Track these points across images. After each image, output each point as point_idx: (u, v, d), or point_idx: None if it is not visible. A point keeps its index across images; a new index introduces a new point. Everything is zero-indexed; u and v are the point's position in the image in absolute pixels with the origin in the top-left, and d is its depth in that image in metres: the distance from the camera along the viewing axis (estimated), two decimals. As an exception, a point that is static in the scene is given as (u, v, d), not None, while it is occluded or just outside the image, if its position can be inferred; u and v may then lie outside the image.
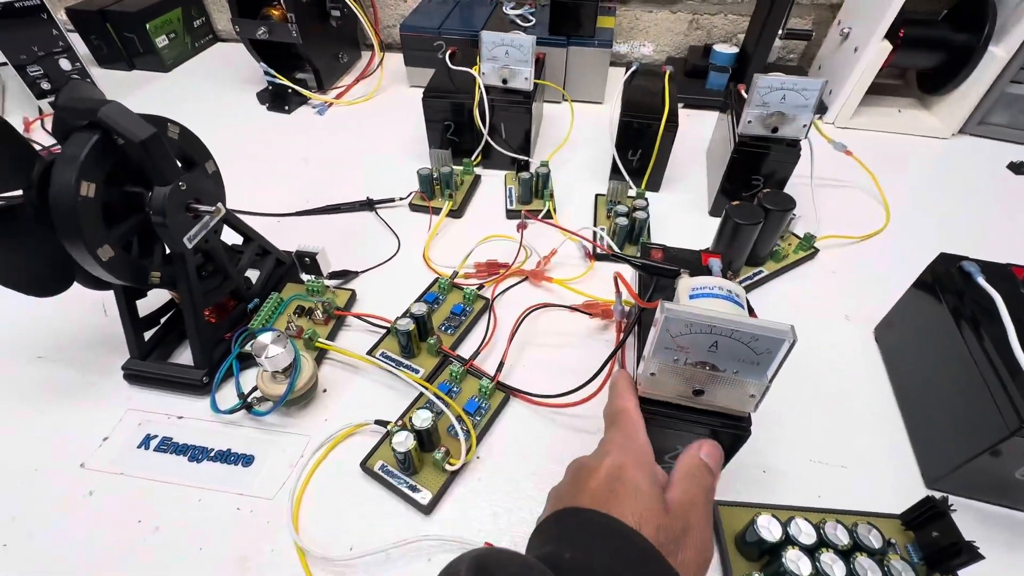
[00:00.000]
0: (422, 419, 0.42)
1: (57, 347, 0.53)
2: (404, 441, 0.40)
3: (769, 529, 0.35)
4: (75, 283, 0.45)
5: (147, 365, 0.49)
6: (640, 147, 0.70)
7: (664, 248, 0.46)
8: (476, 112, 0.71)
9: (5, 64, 0.98)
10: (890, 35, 0.79)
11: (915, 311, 0.50)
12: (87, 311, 0.56)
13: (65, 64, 0.85)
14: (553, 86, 0.79)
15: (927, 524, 0.37)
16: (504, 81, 0.70)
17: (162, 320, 0.52)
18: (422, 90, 0.72)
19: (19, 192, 0.40)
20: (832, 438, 0.47)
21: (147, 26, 0.97)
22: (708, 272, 0.44)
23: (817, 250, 0.63)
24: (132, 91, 0.97)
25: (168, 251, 0.46)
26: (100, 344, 0.53)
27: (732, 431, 0.33)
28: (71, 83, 0.42)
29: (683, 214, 0.71)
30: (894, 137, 0.86)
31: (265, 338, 0.43)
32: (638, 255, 0.46)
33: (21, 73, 0.83)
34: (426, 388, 0.47)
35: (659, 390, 0.33)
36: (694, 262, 0.45)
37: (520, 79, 0.70)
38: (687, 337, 0.30)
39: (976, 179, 0.78)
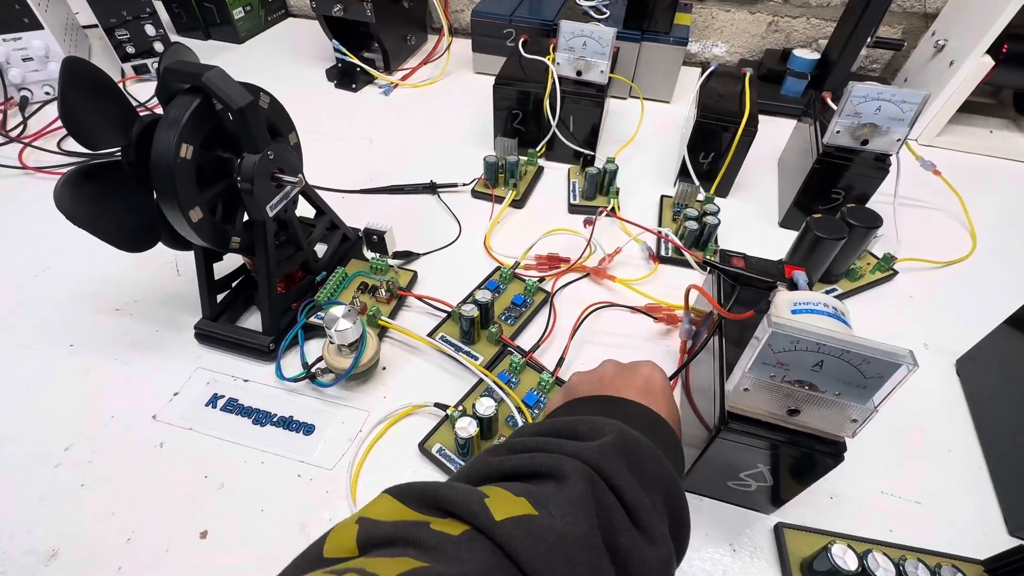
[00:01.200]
0: (485, 407, 0.42)
1: (133, 300, 0.55)
2: (467, 427, 0.40)
3: (844, 560, 0.34)
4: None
5: (217, 326, 0.50)
6: (713, 150, 0.68)
7: (745, 257, 0.44)
8: (546, 102, 0.70)
9: (96, 26, 1.02)
10: (992, 50, 0.74)
11: (1007, 349, 0.47)
12: (160, 269, 0.58)
13: (150, 30, 0.88)
14: (625, 81, 0.77)
15: (1015, 575, 0.34)
16: (578, 73, 0.69)
17: (233, 285, 0.54)
18: (487, 77, 0.71)
19: (119, 148, 0.42)
20: (906, 471, 0.44)
21: (226, -3, 0.99)
22: (793, 285, 0.42)
23: (896, 272, 0.60)
24: (206, 60, 0.98)
25: (247, 218, 0.47)
26: (172, 301, 0.55)
27: (825, 455, 0.32)
28: (174, 47, 0.43)
29: (751, 223, 0.68)
30: (983, 160, 0.81)
31: (336, 311, 0.44)
32: (714, 261, 0.45)
33: (109, 36, 0.86)
34: (486, 376, 0.47)
35: (749, 406, 0.32)
36: (776, 274, 0.43)
37: (595, 72, 0.68)
38: (790, 354, 0.29)
39: (1075, 211, 0.72)
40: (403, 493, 0.22)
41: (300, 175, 0.47)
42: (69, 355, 0.50)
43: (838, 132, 0.57)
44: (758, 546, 0.39)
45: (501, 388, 0.46)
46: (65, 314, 0.54)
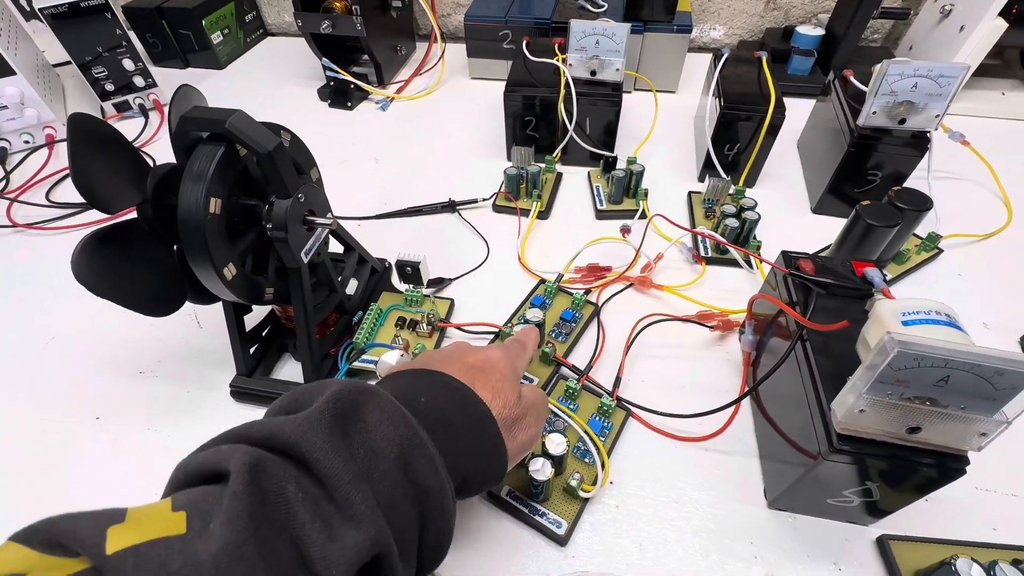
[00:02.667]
0: (556, 443, 0.39)
1: (157, 361, 0.52)
2: (541, 469, 0.38)
3: (971, 575, 0.32)
4: (184, 299, 0.43)
5: (254, 382, 0.47)
6: (738, 141, 0.66)
7: (812, 258, 0.42)
8: (561, 106, 0.67)
9: (68, 64, 0.97)
10: (1003, 12, 0.73)
11: (1077, 321, 0.46)
12: (180, 323, 0.55)
13: (128, 64, 0.84)
14: (640, 77, 0.75)
15: None
16: (593, 73, 0.66)
17: (263, 334, 0.50)
18: (485, 82, 0.68)
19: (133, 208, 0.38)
20: (994, 463, 0.42)
21: (203, 22, 0.95)
22: (866, 283, 0.40)
23: (941, 250, 0.59)
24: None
25: (277, 266, 0.44)
26: (198, 357, 0.52)
27: (950, 470, 0.30)
28: (181, 91, 0.40)
29: (782, 212, 0.66)
30: (1000, 123, 0.80)
31: (390, 358, 0.41)
32: (799, 273, 0.43)
33: (86, 74, 0.82)
34: (559, 408, 0.44)
35: (863, 427, 0.30)
36: (844, 272, 0.41)
37: (611, 70, 0.65)
38: (912, 371, 0.27)
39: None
40: (31, 534, 0.19)
41: (330, 214, 0.44)
42: (97, 430, 0.47)
43: (874, 113, 0.55)
44: (863, 562, 0.37)
45: (571, 418, 0.43)
46: (85, 384, 0.50)
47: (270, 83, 0.96)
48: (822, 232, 0.62)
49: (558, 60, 0.69)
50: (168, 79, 0.90)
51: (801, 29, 0.85)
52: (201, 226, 0.34)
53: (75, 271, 0.36)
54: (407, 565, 0.24)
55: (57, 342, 0.54)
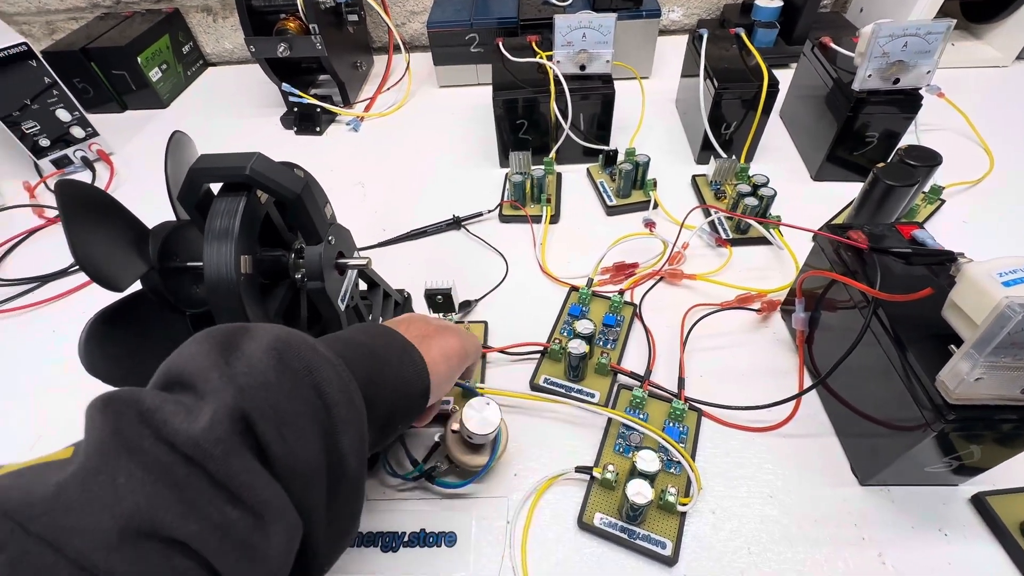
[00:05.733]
0: (648, 461, 0.37)
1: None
2: (641, 491, 0.36)
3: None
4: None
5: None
6: (734, 119, 0.65)
7: (861, 228, 0.42)
8: (553, 104, 0.65)
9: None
10: (947, -34, 0.76)
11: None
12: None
13: (63, 114, 0.75)
14: (625, 66, 0.73)
15: None
16: (582, 67, 0.64)
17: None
18: (455, 90, 0.66)
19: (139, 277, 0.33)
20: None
21: (139, 59, 0.87)
22: (917, 244, 0.40)
23: (943, 201, 0.61)
24: (135, 135, 0.87)
25: (306, 316, 0.39)
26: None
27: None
28: (176, 138, 0.35)
29: (783, 183, 0.65)
30: (954, 72, 0.84)
31: (477, 406, 0.37)
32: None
33: (15, 130, 0.73)
34: (647, 428, 0.42)
35: (976, 394, 0.30)
36: (891, 236, 0.41)
37: (600, 63, 0.64)
38: (1033, 332, 0.26)
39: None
40: None
41: (358, 252, 0.40)
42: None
43: (869, 76, 0.56)
44: (965, 523, 0.37)
45: (649, 430, 0.41)
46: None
47: (224, 117, 0.89)
48: (827, 199, 0.63)
49: (541, 57, 0.67)
50: (107, 125, 0.82)
51: (760, 2, 0.86)
52: (235, 290, 0.30)
53: (85, 362, 0.31)
54: (300, 437, 0.24)
55: (44, 442, 0.47)
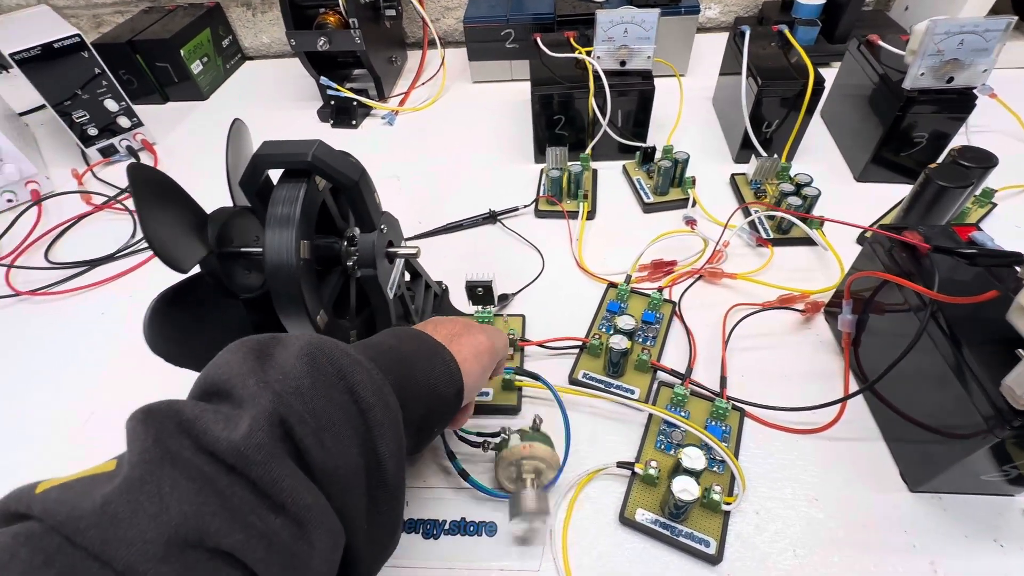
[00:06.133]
0: (695, 458, 0.37)
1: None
2: (689, 488, 0.35)
3: None
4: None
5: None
6: (776, 117, 0.64)
7: (917, 229, 0.41)
8: (591, 100, 0.65)
9: (33, 111, 0.90)
10: (1001, -38, 0.74)
11: None
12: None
13: (111, 104, 0.77)
14: (664, 63, 0.73)
15: None
16: (622, 63, 0.64)
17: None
18: (489, 85, 0.66)
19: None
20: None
21: (181, 52, 0.89)
22: (976, 247, 0.39)
23: (995, 204, 0.59)
24: (176, 125, 0.89)
25: (354, 304, 0.40)
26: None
27: None
28: (235, 126, 0.36)
29: (825, 184, 0.64)
30: (1001, 73, 0.81)
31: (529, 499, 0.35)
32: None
33: (66, 119, 0.75)
34: (690, 426, 0.41)
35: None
36: (949, 238, 0.40)
37: (641, 58, 0.63)
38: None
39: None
40: None
41: (405, 242, 0.40)
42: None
43: (922, 74, 0.55)
44: (1023, 535, 0.36)
45: (692, 428, 0.41)
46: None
47: (262, 110, 0.91)
48: (870, 201, 0.62)
49: (580, 53, 0.67)
50: (150, 116, 0.84)
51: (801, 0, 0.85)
52: (295, 274, 0.31)
53: (149, 341, 0.32)
54: (339, 442, 0.23)
55: (98, 417, 0.49)
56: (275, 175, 0.35)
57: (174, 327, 0.34)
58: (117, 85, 0.78)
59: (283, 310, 0.32)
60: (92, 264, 0.64)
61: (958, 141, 0.59)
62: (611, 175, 0.70)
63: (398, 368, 0.28)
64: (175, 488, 0.19)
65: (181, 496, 0.19)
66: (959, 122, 0.58)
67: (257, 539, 0.19)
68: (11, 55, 0.67)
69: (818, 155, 0.70)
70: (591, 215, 0.64)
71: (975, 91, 0.56)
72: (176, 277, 0.34)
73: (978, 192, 0.58)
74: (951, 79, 0.55)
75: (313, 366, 0.24)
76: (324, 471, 0.22)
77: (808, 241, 0.57)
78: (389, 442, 0.25)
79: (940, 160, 0.53)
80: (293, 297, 0.31)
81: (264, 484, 0.20)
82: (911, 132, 0.59)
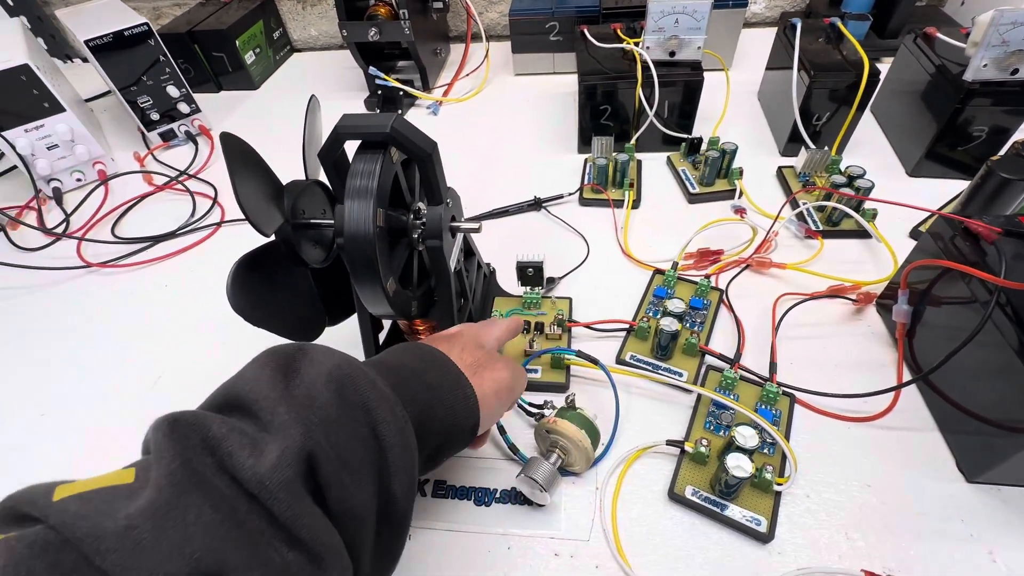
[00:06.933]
0: (748, 437, 0.37)
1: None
2: (741, 465, 0.36)
3: None
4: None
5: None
6: (827, 110, 0.64)
7: (983, 219, 0.40)
8: (639, 91, 0.65)
9: (98, 97, 0.95)
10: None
11: None
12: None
13: (172, 91, 0.81)
14: (713, 55, 0.73)
15: None
16: (672, 54, 0.64)
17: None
18: (532, 78, 0.67)
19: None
20: None
21: (236, 43, 0.92)
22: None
23: (1057, 201, 0.57)
24: (230, 113, 0.92)
25: (416, 277, 0.41)
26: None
27: None
28: (313, 102, 0.38)
29: (876, 178, 0.64)
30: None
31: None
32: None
33: (131, 104, 0.79)
34: (729, 401, 0.42)
35: None
36: (1017, 227, 0.40)
37: (691, 49, 0.64)
38: None
39: None
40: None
41: (466, 218, 0.42)
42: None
43: (984, 66, 0.54)
44: (1087, 529, 0.35)
45: (744, 409, 0.41)
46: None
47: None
48: (923, 196, 0.60)
49: (628, 44, 0.67)
50: (205, 103, 0.88)
51: (851, -7, 0.83)
52: (371, 241, 0.32)
53: (232, 301, 0.34)
54: (358, 481, 0.24)
55: (165, 380, 0.51)
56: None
57: (252, 289, 0.36)
58: (179, 72, 0.81)
59: (357, 275, 0.34)
60: (155, 240, 0.67)
61: (1021, 135, 0.58)
62: (654, 166, 0.70)
63: (421, 398, 0.29)
64: (199, 516, 0.19)
65: (205, 527, 0.19)
66: (1022, 116, 0.57)
67: (273, 575, 0.20)
68: (85, 41, 0.71)
69: (868, 149, 0.69)
70: (636, 204, 0.64)
71: (1041, 83, 0.55)
72: (245, 248, 0.36)
73: (1038, 187, 0.57)
74: (1016, 71, 0.53)
75: (340, 395, 0.24)
76: (340, 508, 0.23)
77: (858, 234, 0.56)
78: (403, 483, 0.25)
79: (1002, 153, 0.52)
80: (368, 263, 0.33)
81: (284, 520, 0.20)
82: (969, 126, 0.58)
